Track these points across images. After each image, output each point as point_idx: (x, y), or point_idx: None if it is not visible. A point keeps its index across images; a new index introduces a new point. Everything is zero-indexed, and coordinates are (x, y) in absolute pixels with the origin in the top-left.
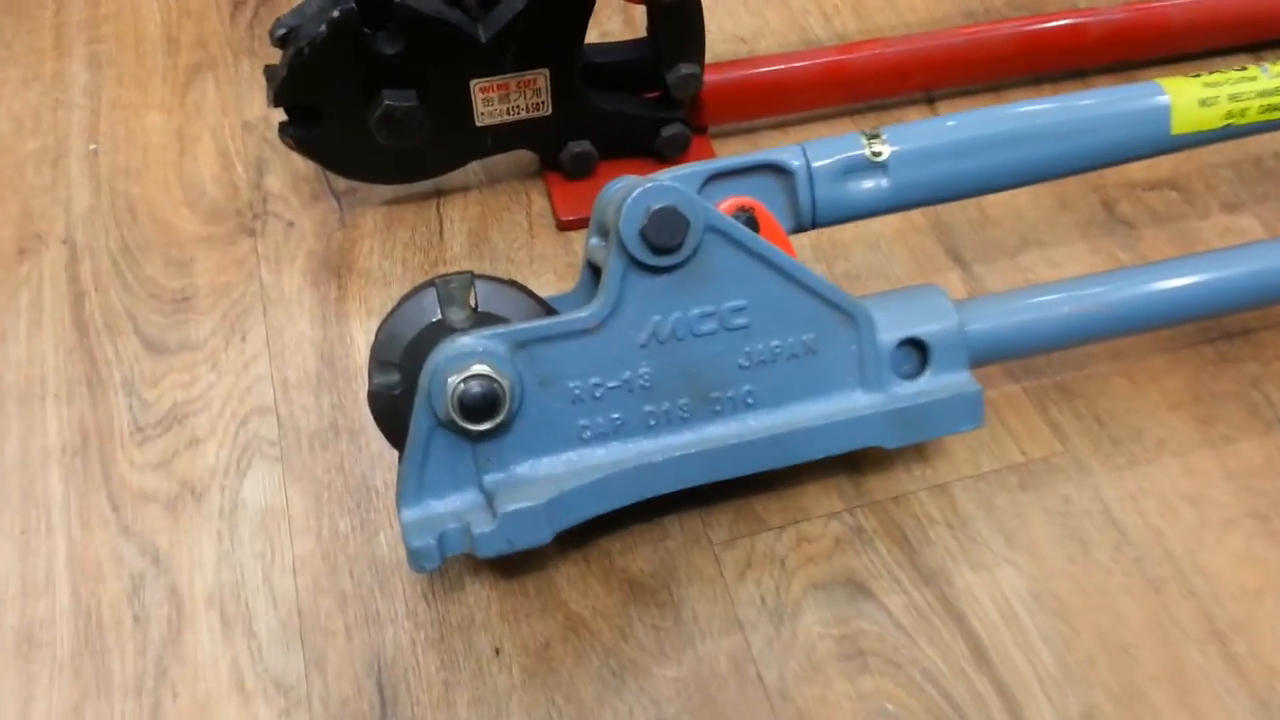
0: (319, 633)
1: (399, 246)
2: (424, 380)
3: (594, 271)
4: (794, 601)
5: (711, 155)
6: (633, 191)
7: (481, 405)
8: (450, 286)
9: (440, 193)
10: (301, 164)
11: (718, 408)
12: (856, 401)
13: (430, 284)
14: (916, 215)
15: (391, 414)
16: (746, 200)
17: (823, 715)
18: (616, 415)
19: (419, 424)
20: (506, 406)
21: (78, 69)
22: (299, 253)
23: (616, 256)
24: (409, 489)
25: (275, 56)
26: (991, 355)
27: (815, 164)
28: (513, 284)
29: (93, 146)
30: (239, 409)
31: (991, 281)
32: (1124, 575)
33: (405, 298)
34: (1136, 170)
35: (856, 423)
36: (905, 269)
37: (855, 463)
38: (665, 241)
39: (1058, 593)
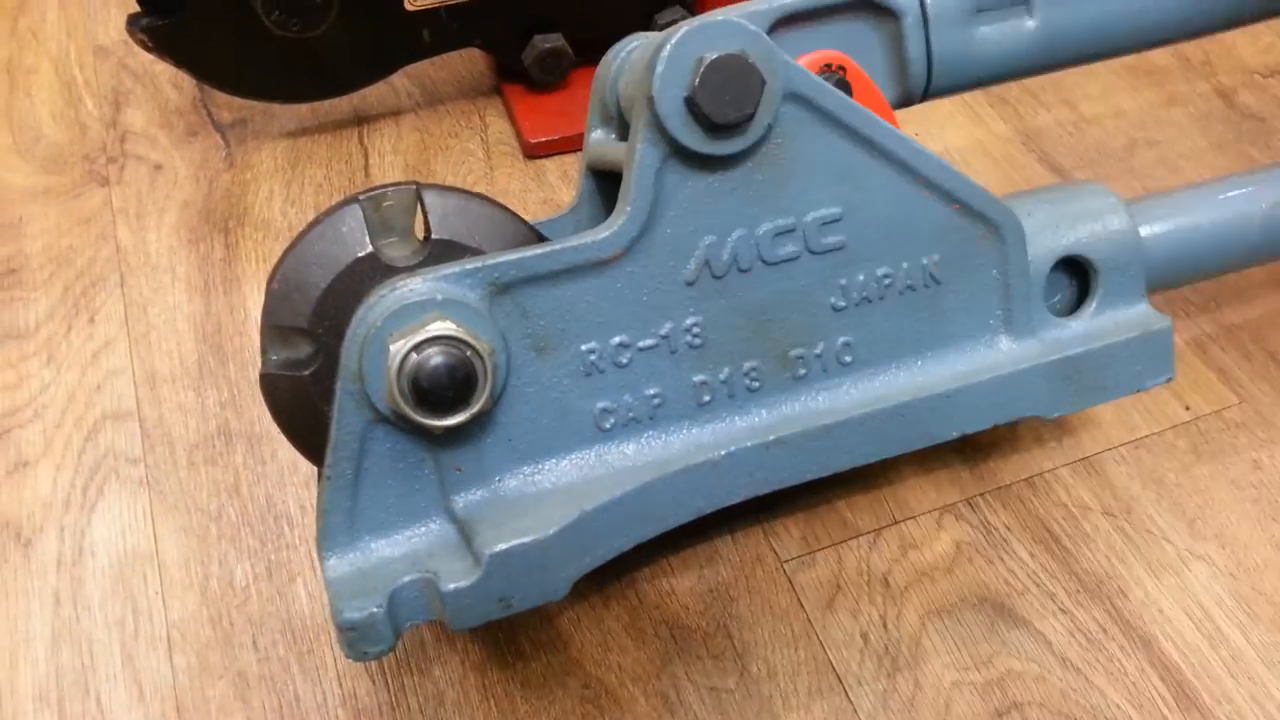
0: None
1: (309, 188)
2: (351, 351)
3: (599, 181)
4: (911, 637)
5: None
6: (675, 34)
7: (449, 387)
8: (384, 204)
9: (362, 119)
10: (173, 93)
11: (801, 371)
12: (1001, 352)
13: (352, 201)
14: (997, 122)
15: (300, 407)
16: (834, 55)
17: None
18: (653, 391)
19: (346, 420)
20: (486, 387)
21: None
22: (169, 203)
23: (648, 142)
24: (334, 524)
25: None
26: (1172, 278)
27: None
28: (480, 197)
29: None
30: (86, 416)
31: None
32: None
33: (314, 223)
34: (1250, 54)
35: (1004, 384)
36: (992, 182)
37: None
38: (727, 113)
39: (1271, 593)
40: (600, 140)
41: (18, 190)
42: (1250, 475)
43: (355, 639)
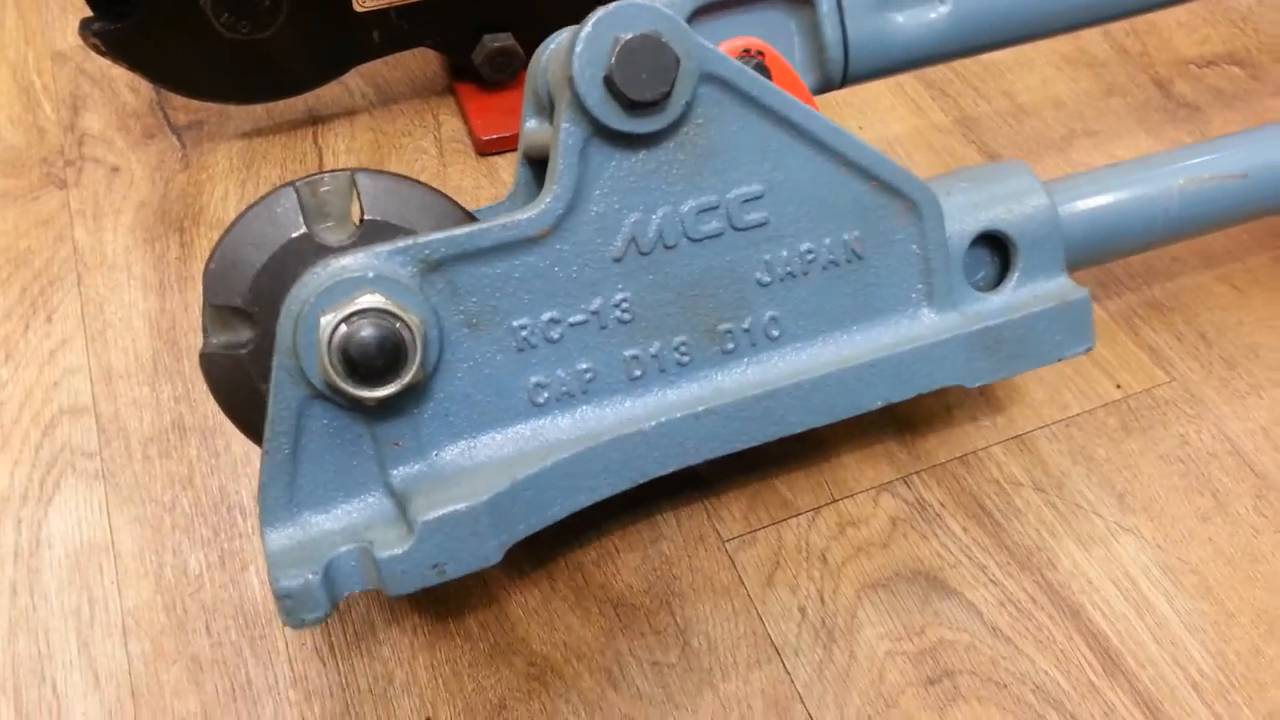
0: (164, 718)
1: (264, 188)
2: (285, 326)
3: (534, 169)
4: (846, 610)
5: None
6: (593, 18)
7: (378, 356)
8: (320, 189)
9: (316, 119)
10: (130, 97)
11: (729, 345)
12: (923, 324)
13: (289, 185)
14: (936, 112)
15: (239, 385)
16: (752, 41)
17: None
18: (585, 366)
19: (283, 396)
20: (417, 358)
21: None
22: (126, 204)
23: (571, 122)
24: (273, 498)
25: None
26: (1093, 253)
27: None
28: (413, 181)
29: None
30: (42, 412)
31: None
32: (1276, 531)
33: (250, 206)
34: (1186, 45)
35: (926, 354)
36: (929, 172)
37: (903, 415)
38: (644, 91)
39: (1195, 564)
40: (534, 129)
41: None
42: (1178, 450)
43: (292, 606)
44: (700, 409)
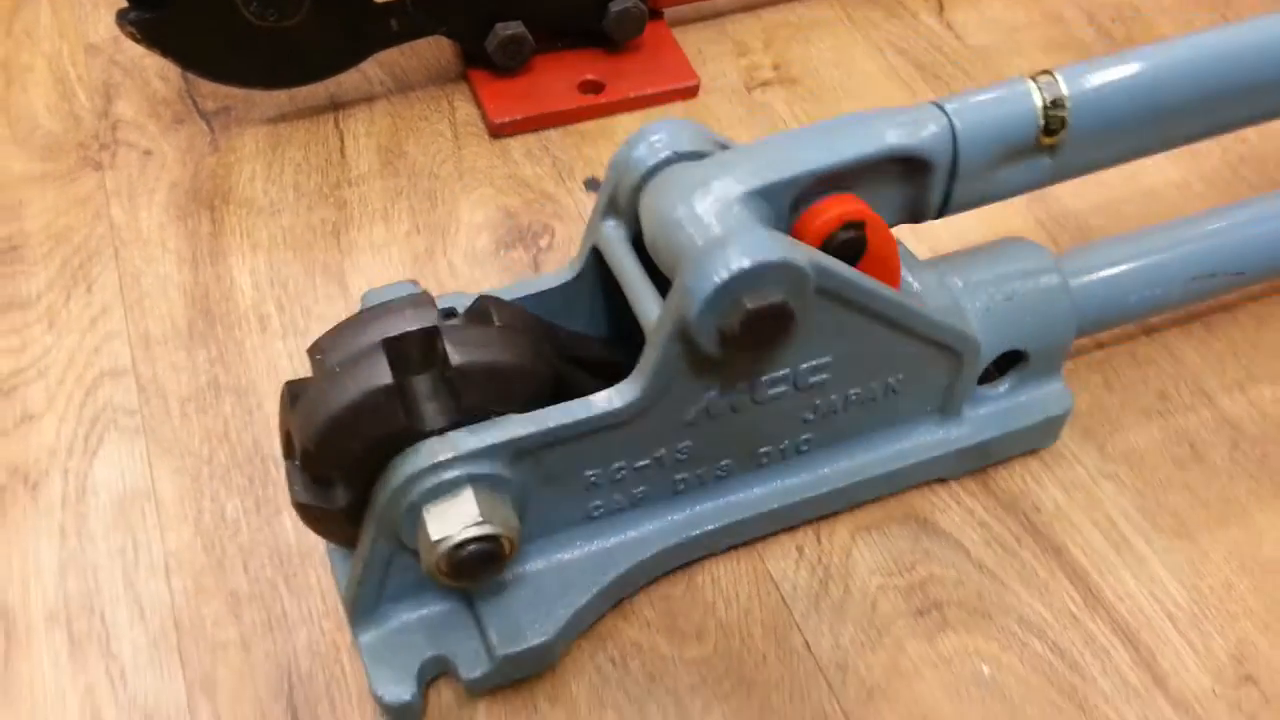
0: (205, 646)
1: (289, 169)
2: (383, 504)
3: (598, 262)
4: (841, 549)
5: (671, 43)
6: (719, 268)
7: (477, 568)
8: (407, 344)
9: (337, 105)
10: (160, 85)
11: (764, 461)
12: (929, 437)
13: (378, 347)
14: (928, 95)
15: (333, 523)
16: (856, 210)
17: (899, 690)
18: (640, 490)
19: (378, 550)
20: (507, 561)
21: None
22: (159, 185)
23: (674, 340)
24: (364, 607)
25: None
26: (1098, 327)
27: (966, 152)
28: (501, 328)
29: None
30: (85, 374)
31: None
32: (1250, 479)
33: (340, 374)
34: (1169, 29)
35: (929, 464)
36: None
37: None
38: (758, 345)
39: (1173, 507)
40: (610, 235)
41: (16, 176)
42: (1157, 404)
43: (394, 714)
44: (732, 520)
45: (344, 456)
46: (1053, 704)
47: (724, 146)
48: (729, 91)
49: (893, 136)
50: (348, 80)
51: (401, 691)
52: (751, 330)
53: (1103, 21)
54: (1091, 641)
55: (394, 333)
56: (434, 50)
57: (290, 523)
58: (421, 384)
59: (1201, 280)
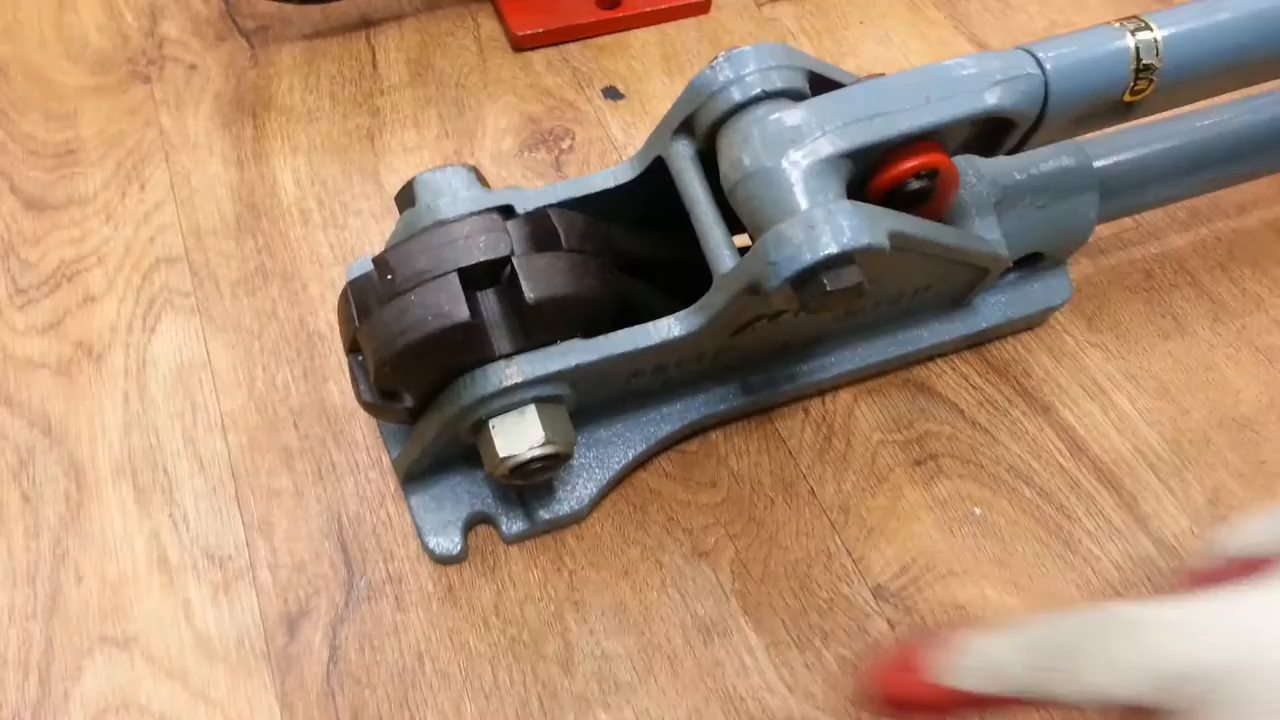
0: (260, 494)
1: (324, 80)
2: (453, 423)
3: (654, 168)
4: (844, 410)
5: None
6: (801, 252)
7: (536, 476)
8: (481, 274)
9: (368, 23)
10: (201, 7)
11: (787, 350)
12: (940, 324)
13: (454, 275)
14: (929, 8)
15: (393, 417)
16: (934, 160)
17: (896, 528)
18: (674, 377)
19: (436, 441)
20: (562, 469)
21: None
22: (204, 95)
23: (739, 297)
24: (416, 474)
25: None
26: (1109, 218)
27: (1053, 111)
28: (569, 253)
29: None
30: (142, 260)
31: None
32: (1228, 346)
33: (415, 300)
34: None
35: (933, 346)
36: (923, 61)
37: None
38: (827, 310)
39: (1156, 372)
40: (681, 154)
41: (71, 89)
42: (1143, 282)
43: (441, 559)
44: (751, 398)
45: (416, 378)
46: (1040, 540)
47: (811, 76)
48: (740, 7)
49: (991, 98)
50: (376, 0)
51: (449, 544)
52: (825, 304)
53: None
54: (1077, 487)
55: (468, 261)
56: None
57: (336, 389)
58: (491, 306)
59: (1221, 178)
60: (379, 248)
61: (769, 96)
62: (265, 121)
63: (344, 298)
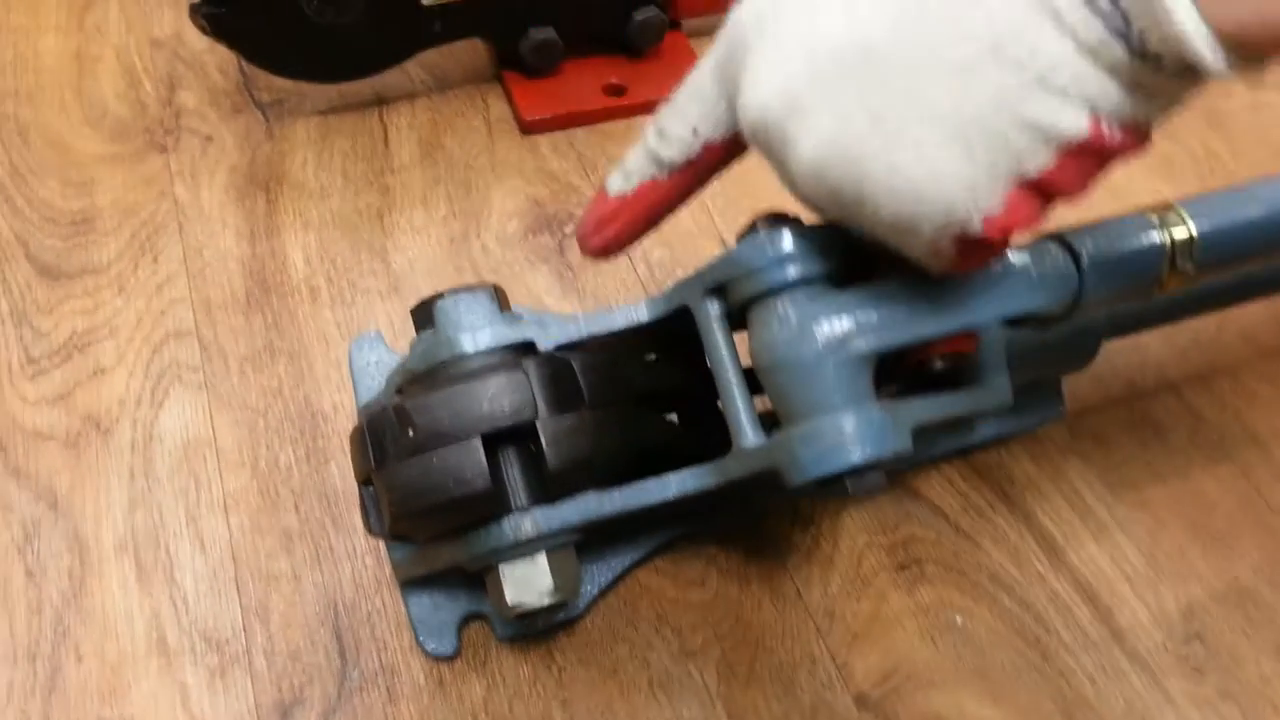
0: (259, 578)
1: (338, 156)
2: (464, 565)
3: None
4: (833, 511)
5: (689, 52)
6: (827, 458)
7: (543, 619)
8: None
9: (382, 100)
10: (219, 78)
11: None
12: (929, 445)
13: (475, 440)
14: None
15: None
16: (961, 345)
17: (880, 635)
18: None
19: (444, 571)
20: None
21: None
22: (219, 168)
23: (758, 471)
24: (416, 583)
25: None
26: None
27: (1084, 303)
28: (592, 410)
29: None
30: (152, 334)
31: None
32: (1206, 458)
33: (436, 461)
34: None
35: (916, 462)
36: None
37: None
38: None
39: (1134, 481)
40: (711, 314)
41: (89, 156)
42: (1125, 390)
43: (435, 658)
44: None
45: (431, 532)
46: (1019, 651)
47: (842, 258)
48: None
49: (1028, 301)
50: (391, 79)
51: (445, 646)
52: (841, 495)
53: None
54: (1055, 598)
55: (491, 426)
56: (470, 53)
57: (337, 470)
58: (511, 461)
59: (1204, 303)
60: (384, 327)
61: (804, 281)
62: (278, 196)
63: (359, 432)
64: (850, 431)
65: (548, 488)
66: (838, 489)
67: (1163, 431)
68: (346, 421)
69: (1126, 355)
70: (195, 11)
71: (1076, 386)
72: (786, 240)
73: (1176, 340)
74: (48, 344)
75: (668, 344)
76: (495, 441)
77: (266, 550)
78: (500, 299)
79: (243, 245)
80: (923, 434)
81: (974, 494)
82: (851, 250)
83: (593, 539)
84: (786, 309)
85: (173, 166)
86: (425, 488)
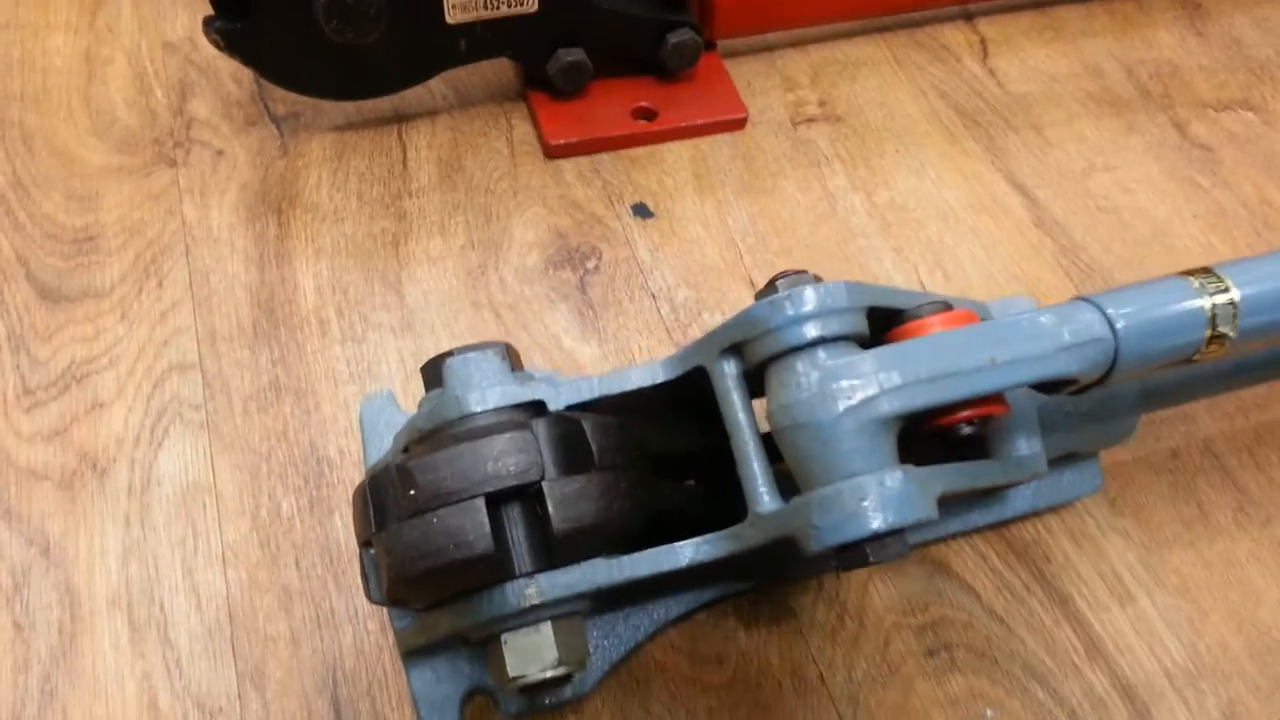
0: (256, 639)
1: (353, 177)
2: (467, 633)
3: (686, 380)
4: (859, 586)
5: (723, 74)
6: (847, 526)
7: (545, 692)
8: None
9: (401, 117)
10: (233, 87)
11: None
12: (964, 517)
13: (479, 501)
14: (968, 140)
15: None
16: (990, 410)
17: None
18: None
19: (447, 640)
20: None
21: None
22: (230, 185)
23: (774, 540)
24: (419, 654)
25: None
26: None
27: (1119, 372)
28: (600, 474)
29: None
30: (154, 366)
31: (1058, 208)
32: (1251, 542)
33: (438, 524)
34: (1205, 89)
35: (963, 531)
36: (958, 196)
37: None
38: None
39: (1176, 566)
40: (727, 375)
41: (95, 167)
42: (1168, 463)
43: None
44: (760, 584)
45: (431, 595)
46: None
47: (875, 310)
48: (775, 125)
49: (1059, 365)
50: (411, 93)
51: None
52: (863, 564)
53: (1141, 77)
54: (1090, 692)
55: (495, 486)
56: (495, 69)
57: (341, 523)
58: (515, 522)
59: (1246, 376)
60: (394, 369)
61: (825, 341)
62: (290, 219)
63: (361, 493)
64: (871, 497)
65: (553, 553)
66: (858, 557)
67: (1207, 510)
68: (352, 469)
69: (1171, 424)
70: (209, 26)
71: (1119, 456)
72: (807, 298)
73: (1223, 409)
74: (45, 373)
75: (685, 405)
76: (499, 502)
77: (265, 609)
78: (512, 357)
79: (251, 271)
80: (952, 503)
81: (1008, 572)
82: (875, 309)
83: (602, 608)
84: (806, 369)
85: (182, 182)
86: (424, 550)
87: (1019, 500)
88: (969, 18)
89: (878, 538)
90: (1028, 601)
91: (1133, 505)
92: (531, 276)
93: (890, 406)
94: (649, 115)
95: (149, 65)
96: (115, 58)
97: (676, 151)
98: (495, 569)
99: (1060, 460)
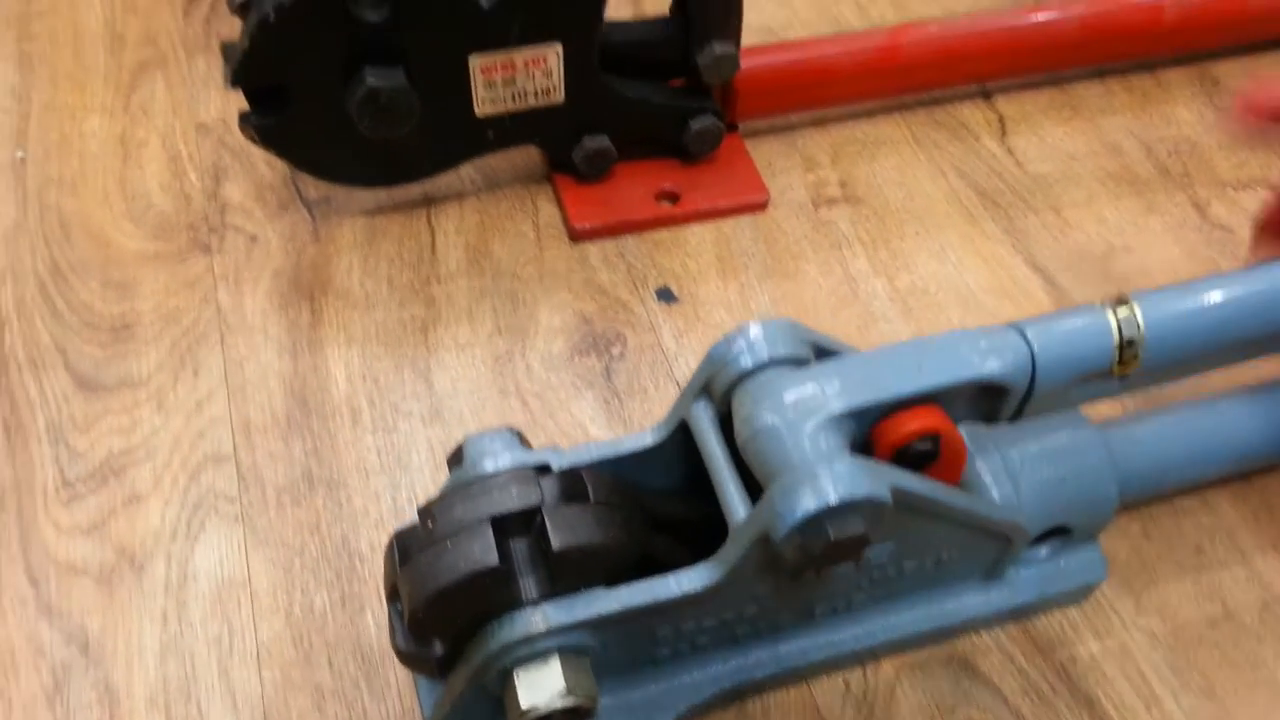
0: None
1: (383, 262)
2: (481, 671)
3: (683, 433)
4: (886, 685)
5: (744, 156)
6: (804, 501)
7: None
8: (512, 523)
9: (430, 201)
10: (266, 170)
11: (815, 615)
12: (973, 597)
13: (485, 523)
14: (987, 221)
15: (426, 666)
16: (935, 424)
17: None
18: (703, 640)
19: (465, 695)
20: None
21: (5, 70)
22: (264, 272)
23: (752, 548)
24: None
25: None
26: (1137, 500)
27: (1042, 379)
28: (596, 505)
29: (19, 154)
30: (190, 458)
31: (1079, 293)
32: (1277, 642)
33: (451, 548)
34: (1224, 169)
35: (968, 621)
36: (979, 279)
37: None
38: (834, 563)
39: (1202, 666)
40: (701, 416)
41: (131, 254)
42: (1192, 558)
43: None
44: (783, 667)
45: (448, 623)
46: None
47: (817, 347)
48: (796, 207)
49: (980, 366)
50: (440, 177)
51: None
52: (830, 554)
53: (1160, 155)
54: None
55: (500, 510)
56: (521, 153)
57: (373, 621)
58: (521, 553)
59: (1246, 461)
60: (424, 459)
61: (775, 363)
62: (323, 306)
63: (390, 546)
64: (823, 476)
65: (556, 578)
66: (821, 541)
67: (1232, 609)
68: (382, 564)
69: (1195, 515)
70: (245, 122)
71: (1144, 549)
72: (753, 330)
73: (1248, 500)
74: (84, 465)
75: (680, 479)
76: (506, 529)
77: (299, 709)
78: (521, 439)
79: (284, 360)
80: (958, 570)
81: (1034, 673)
82: (813, 342)
83: (623, 675)
84: (759, 385)
85: (216, 269)
86: (439, 571)
87: (1026, 586)
88: (987, 95)
89: (835, 513)
90: (1054, 704)
91: (1157, 602)
92: (557, 364)
93: (836, 406)
94: (672, 198)
95: (183, 148)
96: (150, 140)
97: (699, 234)
98: (502, 585)
99: (1058, 544)
